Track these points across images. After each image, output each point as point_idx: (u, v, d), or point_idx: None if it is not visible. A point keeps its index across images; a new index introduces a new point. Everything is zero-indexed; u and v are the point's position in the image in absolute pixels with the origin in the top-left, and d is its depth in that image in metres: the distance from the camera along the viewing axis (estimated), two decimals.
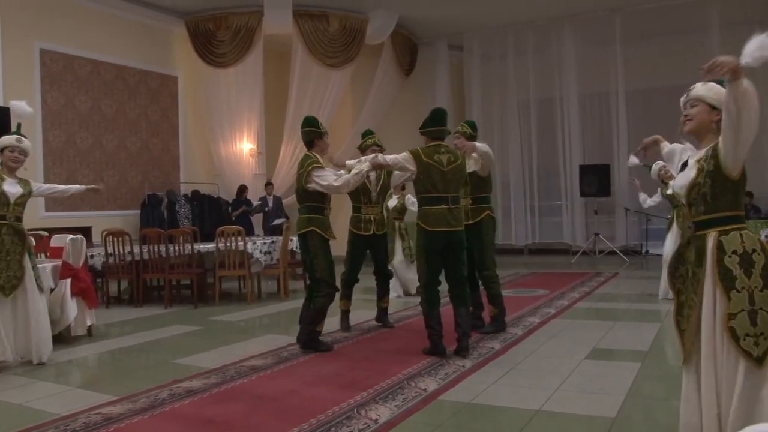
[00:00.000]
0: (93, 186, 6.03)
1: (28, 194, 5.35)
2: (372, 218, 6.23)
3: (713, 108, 2.63)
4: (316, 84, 12.70)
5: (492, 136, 14.58)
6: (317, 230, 5.38)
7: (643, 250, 13.11)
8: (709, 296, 2.54)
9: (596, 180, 13.35)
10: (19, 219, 5.25)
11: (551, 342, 5.61)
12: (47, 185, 5.86)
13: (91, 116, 11.11)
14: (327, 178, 5.30)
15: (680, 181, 2.72)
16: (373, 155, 5.48)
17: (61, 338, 6.10)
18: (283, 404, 3.97)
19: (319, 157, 5.46)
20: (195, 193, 12.22)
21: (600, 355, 5.11)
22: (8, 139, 5.29)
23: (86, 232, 9.24)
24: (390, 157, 5.18)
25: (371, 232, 6.20)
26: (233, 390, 4.34)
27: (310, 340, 5.47)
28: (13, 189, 5.21)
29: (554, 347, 5.42)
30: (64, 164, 10.63)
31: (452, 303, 5.13)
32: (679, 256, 2.76)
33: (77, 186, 6.01)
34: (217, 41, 12.34)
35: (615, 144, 13.66)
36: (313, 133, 5.52)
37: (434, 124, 5.20)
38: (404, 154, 5.09)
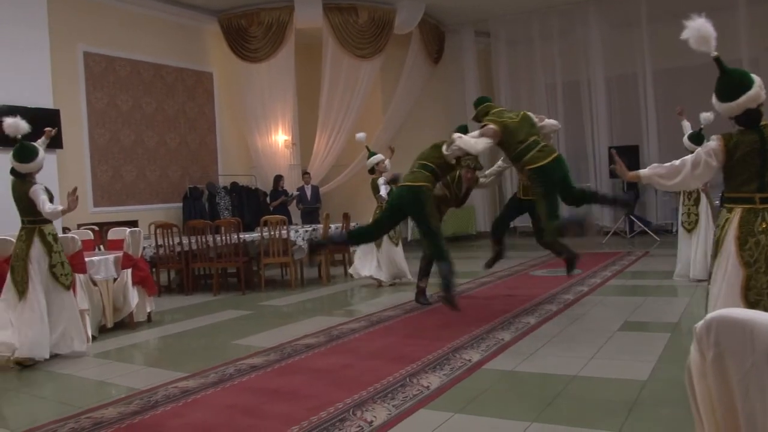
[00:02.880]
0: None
1: None
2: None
3: None
4: (347, 75, 13.02)
5: None
6: None
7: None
8: None
9: (625, 161, 13.17)
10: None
11: (585, 316, 5.90)
12: None
13: (133, 114, 11.58)
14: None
15: None
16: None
17: (124, 324, 6.57)
18: (341, 376, 4.34)
19: None
20: (233, 185, 12.66)
21: (632, 327, 5.39)
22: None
23: (133, 225, 9.69)
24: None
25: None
26: (292, 365, 4.72)
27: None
28: None
29: (588, 321, 5.72)
30: (109, 161, 11.11)
31: None
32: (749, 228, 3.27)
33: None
34: (249, 37, 12.69)
35: (644, 124, 13.74)
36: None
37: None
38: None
